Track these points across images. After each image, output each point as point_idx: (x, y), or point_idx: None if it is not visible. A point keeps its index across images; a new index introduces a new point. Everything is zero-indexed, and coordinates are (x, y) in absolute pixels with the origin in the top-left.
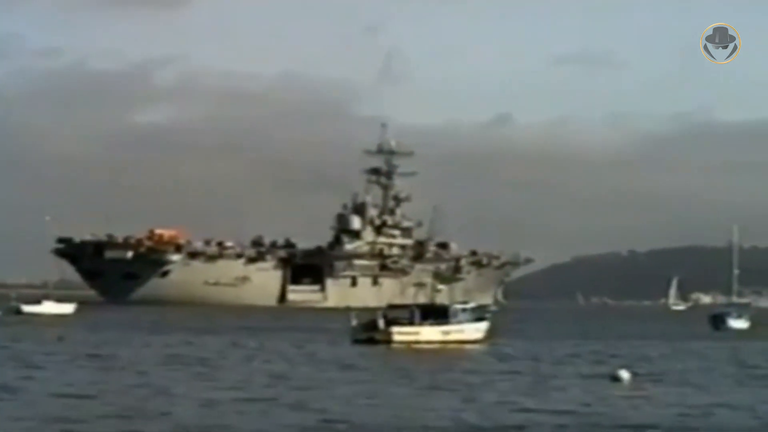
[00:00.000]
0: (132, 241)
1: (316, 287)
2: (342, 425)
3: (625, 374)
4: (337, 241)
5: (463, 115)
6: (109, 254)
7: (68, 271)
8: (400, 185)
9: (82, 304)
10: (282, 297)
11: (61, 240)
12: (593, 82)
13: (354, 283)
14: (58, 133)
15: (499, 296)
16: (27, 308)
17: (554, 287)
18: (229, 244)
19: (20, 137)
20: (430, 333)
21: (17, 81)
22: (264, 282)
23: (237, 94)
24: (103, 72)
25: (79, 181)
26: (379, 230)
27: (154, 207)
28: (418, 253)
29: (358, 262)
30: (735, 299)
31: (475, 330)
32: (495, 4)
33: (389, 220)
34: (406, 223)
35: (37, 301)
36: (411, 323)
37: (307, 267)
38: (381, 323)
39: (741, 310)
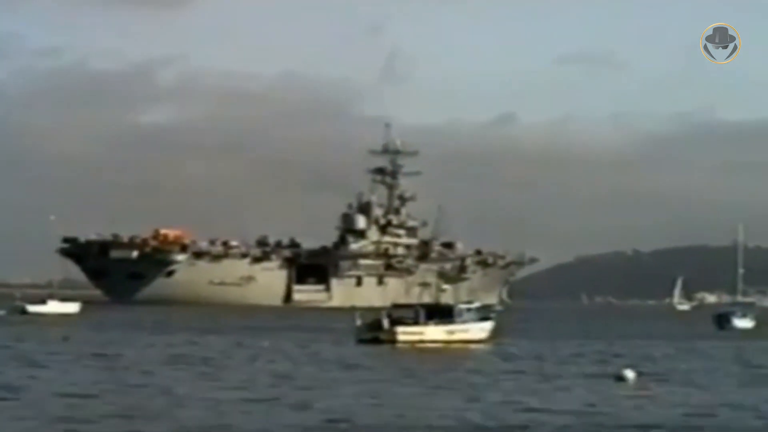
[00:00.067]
0: (137, 240)
1: (321, 287)
2: (346, 425)
3: (629, 374)
4: (342, 241)
5: (465, 115)
6: (115, 254)
7: (72, 271)
8: (405, 185)
9: (87, 303)
10: (287, 297)
11: (66, 240)
12: (595, 81)
13: (359, 283)
14: (59, 133)
15: (504, 296)
16: (32, 308)
17: (558, 287)
18: (234, 243)
19: (21, 137)
20: (434, 333)
21: (18, 81)
22: (269, 282)
23: (238, 94)
24: (104, 72)
25: (80, 181)
26: (384, 230)
27: (156, 207)
28: (423, 252)
29: (363, 261)
30: (740, 298)
31: (480, 330)
32: (497, 3)
33: (394, 220)
34: (411, 223)
35: (42, 301)
36: (416, 323)
37: (312, 267)
38: (385, 323)
39: (746, 310)
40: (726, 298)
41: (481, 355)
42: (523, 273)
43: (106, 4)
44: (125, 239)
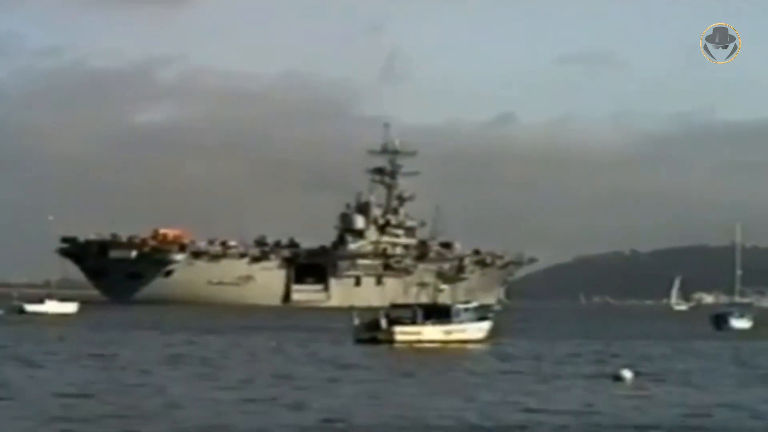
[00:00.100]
0: (136, 240)
1: (319, 287)
2: (343, 425)
3: (627, 374)
4: (340, 241)
5: (465, 115)
6: (114, 254)
7: (71, 271)
8: (403, 185)
9: (86, 303)
10: (286, 296)
11: (65, 239)
12: (594, 81)
13: (358, 283)
14: (58, 133)
15: (502, 296)
16: (30, 307)
17: (556, 287)
18: (232, 243)
19: (21, 137)
20: (432, 332)
21: (18, 80)
22: (268, 281)
23: (238, 94)
24: (104, 71)
25: (80, 180)
26: (382, 230)
27: (156, 207)
28: (422, 252)
29: (361, 261)
30: (737, 299)
31: (478, 330)
32: (496, 3)
33: (393, 220)
34: (409, 223)
35: (40, 301)
36: (413, 323)
37: (310, 266)
38: (383, 323)
39: (743, 310)
40: (724, 299)
41: (478, 355)
42: (521, 273)
43: (106, 3)
44: (124, 239)
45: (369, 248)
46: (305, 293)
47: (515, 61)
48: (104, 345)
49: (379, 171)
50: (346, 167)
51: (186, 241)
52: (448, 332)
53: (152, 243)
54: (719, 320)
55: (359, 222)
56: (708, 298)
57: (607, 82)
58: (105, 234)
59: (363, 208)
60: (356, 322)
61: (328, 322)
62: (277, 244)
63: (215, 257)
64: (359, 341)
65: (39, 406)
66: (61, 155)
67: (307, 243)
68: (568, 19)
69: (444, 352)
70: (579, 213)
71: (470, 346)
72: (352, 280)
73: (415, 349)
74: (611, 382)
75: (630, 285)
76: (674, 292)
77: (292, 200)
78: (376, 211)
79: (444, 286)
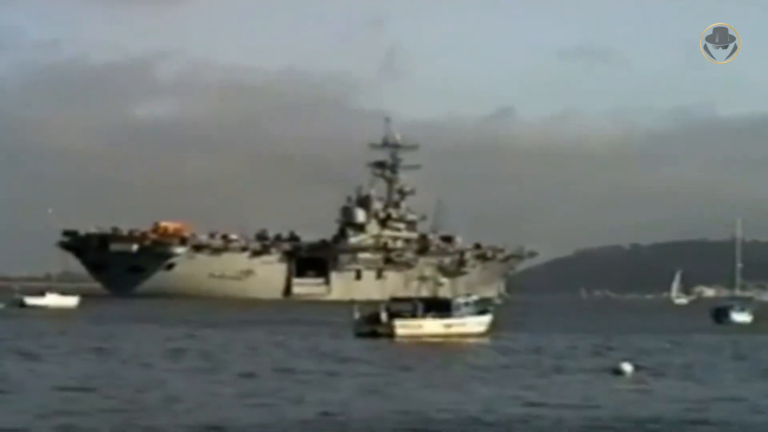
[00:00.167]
0: (137, 234)
1: (320, 280)
2: (343, 418)
3: (627, 368)
4: (341, 235)
5: (464, 110)
6: (115, 247)
7: (71, 264)
8: (404, 179)
9: (86, 296)
10: (287, 290)
11: (66, 233)
12: (594, 77)
13: (358, 277)
14: (58, 127)
15: (503, 290)
16: (30, 301)
17: (557, 281)
18: (233, 237)
19: (20, 131)
20: (432, 326)
21: (17, 74)
22: (269, 275)
23: (239, 88)
24: (104, 65)
25: (79, 174)
26: (383, 223)
27: (156, 201)
28: (423, 246)
29: (362, 255)
30: (738, 293)
31: (478, 323)
32: None
33: (394, 214)
34: (410, 217)
35: (41, 294)
36: (414, 316)
37: (311, 260)
38: (384, 316)
39: (744, 304)
40: (724, 293)
41: (478, 349)
42: (522, 267)
43: None
44: (125, 232)
45: (370, 242)
46: (306, 287)
47: (515, 56)
48: (105, 338)
49: (380, 165)
50: (347, 161)
51: (187, 234)
52: (449, 326)
53: (153, 236)
54: (720, 314)
55: (360, 216)
56: (709, 292)
57: (606, 77)
58: (106, 227)
59: (364, 202)
60: (357, 315)
61: (328, 315)
62: (278, 238)
63: (216, 251)
64: (359, 335)
65: (39, 400)
66: (60, 149)
67: (307, 237)
68: (568, 15)
69: (444, 345)
70: (579, 207)
71: (470, 339)
72: (352, 274)
73: (416, 342)
74: (611, 375)
75: (630, 279)
76: (675, 285)
77: (292, 194)
78: (377, 205)
79: (444, 280)
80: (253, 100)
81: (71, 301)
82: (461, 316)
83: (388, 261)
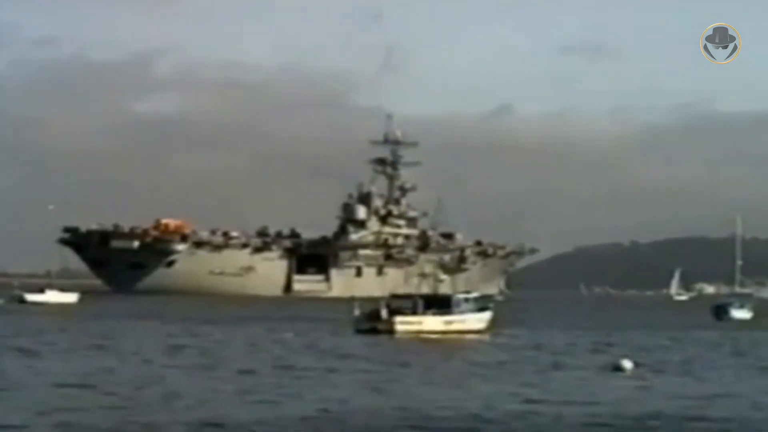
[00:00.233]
0: (138, 230)
1: (321, 277)
2: (343, 415)
3: (627, 364)
4: (342, 231)
5: (464, 106)
6: (115, 244)
7: (71, 261)
8: (405, 175)
9: (87, 293)
10: (287, 287)
11: (67, 229)
12: (594, 73)
13: (359, 273)
14: (56, 124)
15: (503, 286)
16: (30, 297)
17: (557, 277)
18: (234, 234)
19: (19, 128)
20: (432, 323)
21: (16, 71)
22: (269, 272)
23: (237, 85)
24: (102, 62)
25: (78, 171)
26: (384, 220)
27: (156, 198)
28: (423, 243)
29: (363, 252)
30: (738, 290)
31: (478, 320)
32: None
33: (394, 210)
34: (411, 213)
35: (40, 290)
36: (414, 313)
37: (312, 257)
38: (384, 313)
39: (743, 301)
40: (724, 289)
41: (478, 346)
42: (522, 263)
43: None
44: (126, 229)
45: (370, 239)
46: (306, 283)
47: (515, 52)
48: (105, 335)
49: (381, 161)
50: (347, 158)
51: (187, 231)
52: (449, 323)
53: (154, 233)
54: (719, 311)
55: (361, 212)
56: (709, 289)
57: (607, 73)
58: (107, 224)
59: (364, 199)
60: (357, 312)
61: (328, 312)
62: (279, 235)
63: (217, 248)
64: (359, 331)
65: (39, 397)
66: (58, 146)
67: (308, 233)
68: (568, 11)
69: (444, 342)
70: (579, 204)
71: (470, 336)
72: (353, 271)
73: (416, 339)
74: (611, 372)
75: (630, 275)
76: (674, 282)
77: (293, 191)
78: (378, 202)
79: (445, 277)
80: (253, 97)
81: (71, 297)
82: (461, 312)
83: (388, 258)
